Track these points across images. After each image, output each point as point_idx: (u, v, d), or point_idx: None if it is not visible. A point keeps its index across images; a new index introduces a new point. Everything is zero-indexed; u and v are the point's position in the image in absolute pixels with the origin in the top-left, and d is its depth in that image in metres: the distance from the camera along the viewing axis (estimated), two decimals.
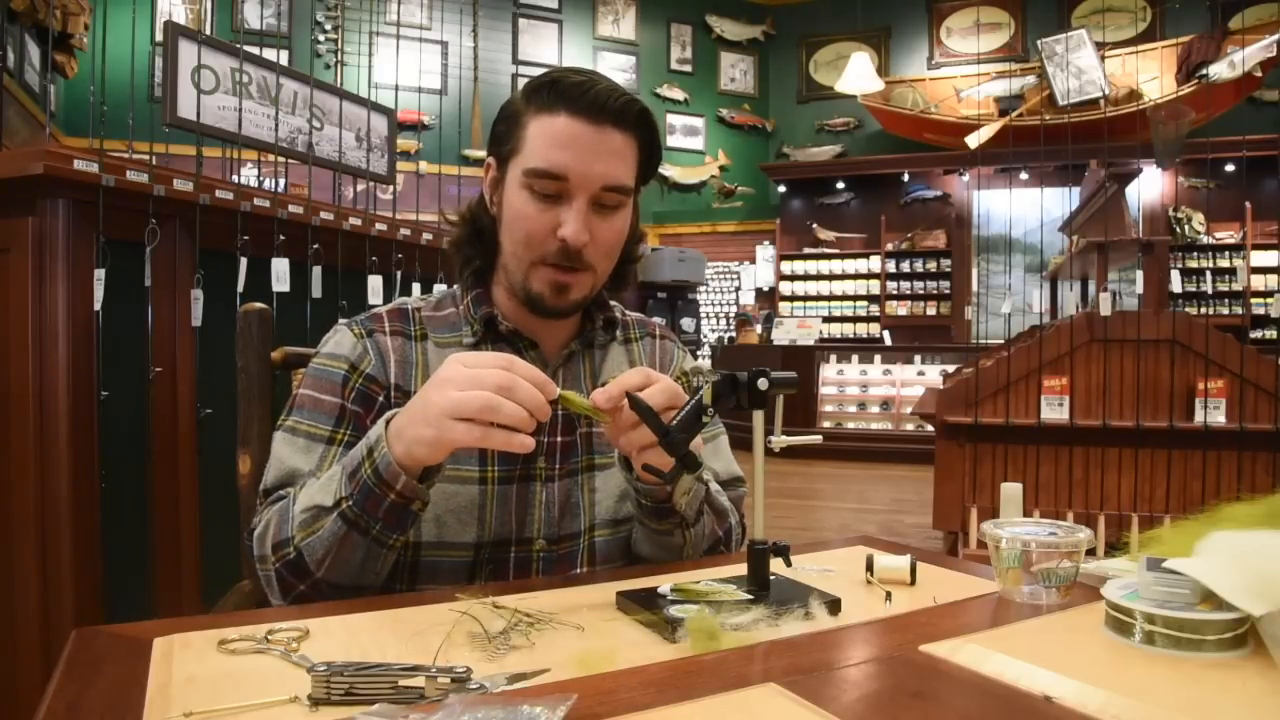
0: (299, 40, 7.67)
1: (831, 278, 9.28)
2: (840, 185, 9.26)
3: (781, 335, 7.49)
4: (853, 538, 1.03)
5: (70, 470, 1.76)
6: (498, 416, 0.71)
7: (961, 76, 8.74)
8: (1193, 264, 7.95)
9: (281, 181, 3.45)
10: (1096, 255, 3.84)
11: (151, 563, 1.94)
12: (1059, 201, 6.65)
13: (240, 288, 2.11)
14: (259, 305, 1.10)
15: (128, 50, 2.33)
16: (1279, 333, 7.05)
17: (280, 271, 2.21)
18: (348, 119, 2.89)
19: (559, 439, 0.97)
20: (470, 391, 0.71)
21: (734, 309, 9.61)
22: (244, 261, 2.12)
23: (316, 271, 2.34)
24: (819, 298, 9.29)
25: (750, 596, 0.74)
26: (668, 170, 9.61)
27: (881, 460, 6.76)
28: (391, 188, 3.38)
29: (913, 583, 0.83)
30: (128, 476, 1.89)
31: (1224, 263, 7.91)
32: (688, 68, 9.90)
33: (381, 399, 0.93)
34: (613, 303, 1.09)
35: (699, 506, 0.94)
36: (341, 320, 1.01)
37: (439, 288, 2.75)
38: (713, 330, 9.68)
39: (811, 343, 7.39)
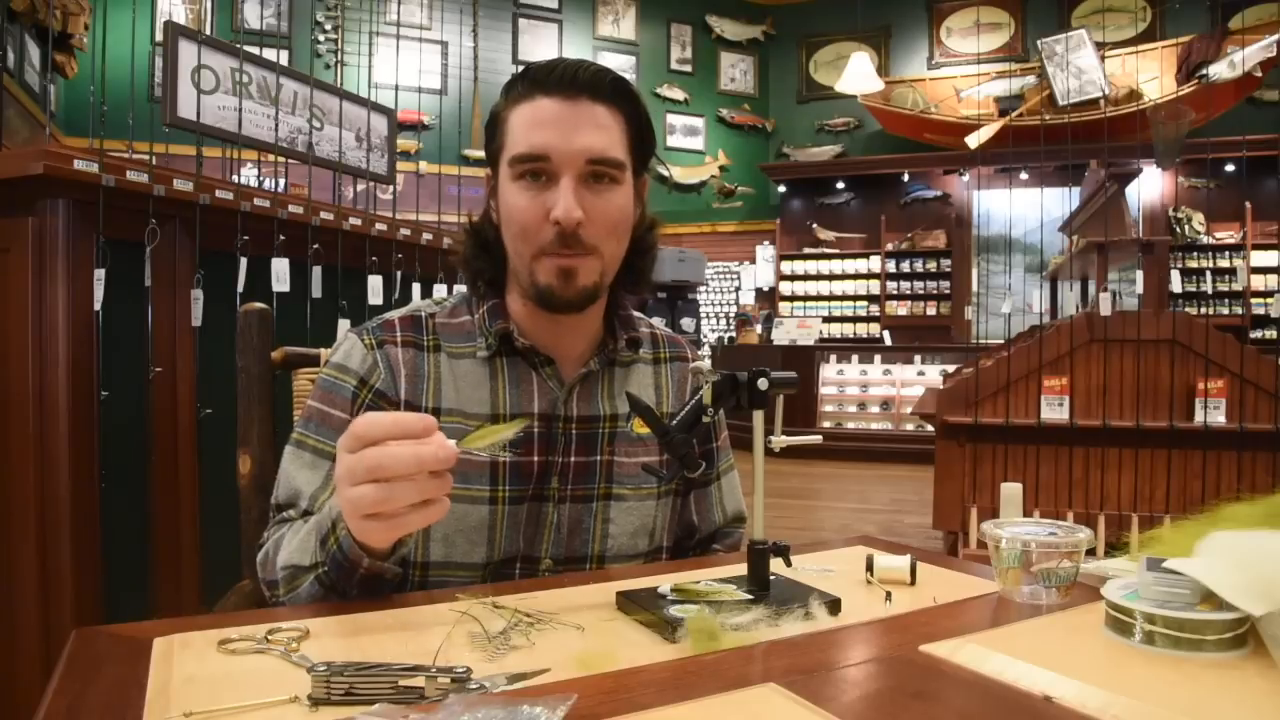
0: (299, 40, 7.68)
1: (831, 278, 9.28)
2: (840, 185, 9.26)
3: (781, 335, 7.49)
4: (853, 538, 1.03)
5: (70, 470, 1.75)
6: (393, 505, 0.65)
7: (961, 76, 8.74)
8: (1193, 264, 7.95)
9: (281, 181, 3.45)
10: (1096, 255, 3.84)
11: (151, 563, 1.94)
12: (1059, 201, 6.65)
13: (240, 288, 2.11)
14: (259, 305, 1.09)
15: (128, 50, 2.33)
16: (1279, 333, 7.05)
17: (280, 271, 2.21)
18: (348, 119, 2.89)
19: (573, 459, 0.95)
20: (357, 489, 0.66)
21: (734, 309, 9.61)
22: (244, 261, 2.12)
23: (316, 271, 2.34)
24: (819, 298, 9.29)
25: (750, 596, 0.74)
26: (667, 170, 9.62)
27: (881, 460, 6.76)
28: (391, 188, 3.38)
29: (913, 583, 0.83)
30: (128, 476, 1.88)
31: (1224, 263, 7.91)
32: (688, 68, 9.90)
33: None
34: (639, 316, 1.06)
35: None
36: (352, 328, 0.98)
37: (439, 289, 2.76)
38: (713, 330, 9.68)
39: (811, 343, 7.39)
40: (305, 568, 0.79)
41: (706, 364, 0.80)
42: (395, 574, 0.78)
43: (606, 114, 0.89)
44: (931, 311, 8.91)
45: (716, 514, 1.11)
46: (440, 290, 2.72)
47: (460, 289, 1.03)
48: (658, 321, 1.13)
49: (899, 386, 7.17)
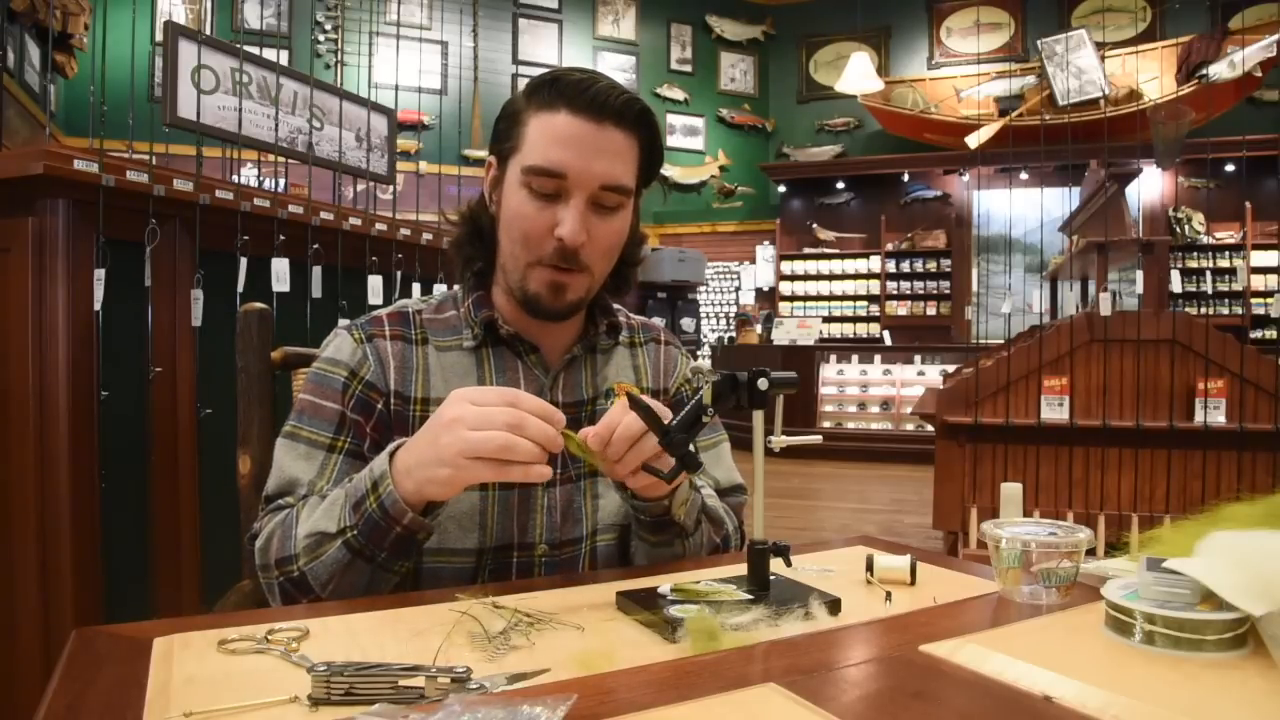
0: (299, 40, 7.67)
1: (831, 278, 9.28)
2: (840, 185, 9.26)
3: (781, 335, 7.49)
4: (853, 538, 1.03)
5: (70, 470, 1.75)
6: (514, 455, 0.72)
7: (961, 76, 8.74)
8: (1193, 264, 7.95)
9: (281, 181, 3.45)
10: (1096, 255, 3.84)
11: (151, 563, 1.94)
12: (1059, 201, 6.64)
13: (240, 288, 2.11)
14: (259, 305, 1.10)
15: (128, 50, 2.33)
16: (1279, 333, 7.04)
17: (280, 271, 2.21)
18: (348, 119, 2.89)
19: None
20: (484, 431, 0.72)
21: (734, 309, 9.61)
22: (244, 261, 2.12)
23: (316, 271, 2.34)
24: (819, 298, 9.29)
25: (750, 596, 0.74)
26: (668, 170, 9.61)
27: (881, 460, 6.76)
28: (391, 188, 3.38)
29: (913, 583, 0.83)
30: (128, 476, 1.88)
31: (1224, 263, 7.91)
32: (688, 68, 9.90)
33: (380, 406, 0.93)
34: (616, 306, 1.09)
35: (696, 515, 0.94)
36: (342, 323, 1.00)
37: (439, 288, 2.76)
38: (713, 330, 9.68)
39: (811, 343, 7.38)
40: (332, 534, 0.81)
41: (706, 364, 0.81)
42: (429, 532, 0.82)
43: (625, 141, 0.91)
44: (931, 311, 8.91)
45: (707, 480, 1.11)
46: (441, 290, 2.72)
47: (441, 288, 1.04)
48: (657, 320, 1.17)
49: (899, 386, 7.16)
